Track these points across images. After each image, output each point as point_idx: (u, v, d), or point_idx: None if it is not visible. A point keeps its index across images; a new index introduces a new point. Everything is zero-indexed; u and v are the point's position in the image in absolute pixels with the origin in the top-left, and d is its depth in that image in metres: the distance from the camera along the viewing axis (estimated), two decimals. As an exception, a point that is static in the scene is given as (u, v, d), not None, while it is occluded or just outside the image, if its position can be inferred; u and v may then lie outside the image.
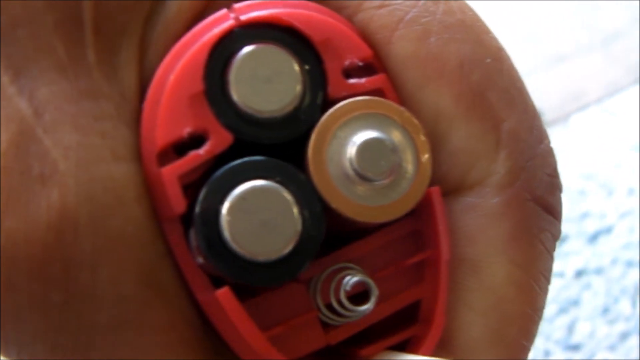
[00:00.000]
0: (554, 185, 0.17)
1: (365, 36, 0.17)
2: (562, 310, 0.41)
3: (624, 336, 0.38)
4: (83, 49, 0.16)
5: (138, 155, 0.16)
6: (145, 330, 0.16)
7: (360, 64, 0.16)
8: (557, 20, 0.57)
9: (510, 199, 0.17)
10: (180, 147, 0.15)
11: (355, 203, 0.16)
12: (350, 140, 0.16)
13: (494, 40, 0.17)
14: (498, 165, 0.17)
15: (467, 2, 0.18)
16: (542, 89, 0.53)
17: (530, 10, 0.58)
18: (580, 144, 0.48)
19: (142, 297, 0.15)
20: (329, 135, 0.16)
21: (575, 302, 0.41)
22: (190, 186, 0.15)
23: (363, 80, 0.16)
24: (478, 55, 0.17)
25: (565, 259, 0.42)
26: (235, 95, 0.15)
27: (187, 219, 0.15)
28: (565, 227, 0.44)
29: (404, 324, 0.17)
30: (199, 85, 0.15)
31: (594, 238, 0.43)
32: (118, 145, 0.15)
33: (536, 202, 0.17)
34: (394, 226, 0.17)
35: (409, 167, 0.16)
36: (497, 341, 0.17)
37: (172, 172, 0.15)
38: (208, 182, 0.15)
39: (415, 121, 0.16)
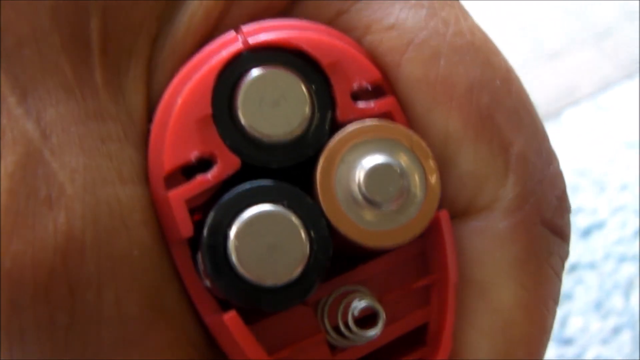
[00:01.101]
0: (562, 208, 0.17)
1: (374, 58, 0.17)
2: (555, 305, 0.41)
3: (617, 330, 0.39)
4: (90, 69, 0.16)
5: (145, 177, 0.16)
6: (150, 351, 0.16)
7: (369, 86, 0.16)
8: (550, 16, 0.58)
9: (519, 222, 0.17)
10: (188, 170, 0.16)
11: (362, 228, 0.16)
12: (359, 164, 0.16)
13: (503, 61, 0.17)
14: (507, 189, 0.17)
15: (473, 15, 0.18)
16: (535, 84, 0.54)
17: (522, 5, 0.59)
18: (572, 140, 0.48)
19: (146, 318, 0.16)
20: (337, 160, 0.16)
21: (568, 297, 0.42)
22: (197, 209, 0.16)
23: (372, 103, 0.16)
24: (487, 78, 0.17)
25: (558, 254, 0.43)
26: (243, 119, 0.15)
27: (194, 242, 0.16)
28: (558, 222, 0.44)
29: (411, 346, 0.17)
30: (206, 109, 0.15)
31: (586, 233, 0.43)
32: (125, 167, 0.16)
33: (545, 225, 0.17)
34: (402, 249, 0.17)
35: (417, 191, 0.16)
36: None
37: (179, 196, 0.15)
38: (215, 207, 0.15)
39: (424, 145, 0.16)
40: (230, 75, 0.16)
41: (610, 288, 0.41)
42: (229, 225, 0.15)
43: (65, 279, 0.15)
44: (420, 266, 0.17)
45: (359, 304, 0.16)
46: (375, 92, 0.16)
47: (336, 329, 0.16)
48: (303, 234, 0.15)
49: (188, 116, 0.15)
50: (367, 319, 0.16)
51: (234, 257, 0.15)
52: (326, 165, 0.16)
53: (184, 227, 0.15)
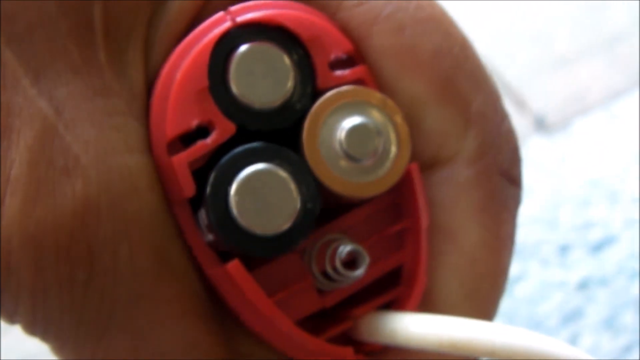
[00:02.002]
0: (516, 159, 0.19)
1: (346, 32, 0.19)
2: (564, 323, 0.40)
3: (628, 348, 0.38)
4: (94, 51, 0.17)
5: (148, 146, 0.18)
6: (159, 302, 0.18)
7: (344, 57, 0.19)
8: (560, 23, 0.57)
9: (480, 171, 0.19)
10: (186, 138, 0.18)
11: (345, 181, 0.18)
12: (339, 125, 0.18)
13: (459, 31, 0.19)
14: (468, 142, 0.19)
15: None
16: (545, 92, 0.53)
17: (533, 12, 0.58)
18: (583, 150, 0.47)
19: (155, 273, 0.17)
20: (320, 122, 0.18)
21: (578, 314, 0.41)
22: (196, 172, 0.18)
23: (347, 71, 0.18)
24: (447, 46, 0.19)
25: (568, 269, 0.42)
26: (235, 89, 0.17)
27: (194, 202, 0.18)
28: (568, 236, 0.43)
29: (389, 286, 0.19)
30: (203, 82, 0.17)
31: (597, 248, 0.42)
32: (130, 137, 0.17)
33: (502, 175, 0.19)
34: (377, 199, 0.19)
35: (391, 147, 0.18)
36: (472, 297, 0.19)
37: (182, 160, 0.17)
38: (216, 167, 0.17)
39: (395, 106, 0.18)
40: (222, 50, 0.18)
41: (621, 305, 0.40)
42: (229, 184, 0.17)
43: (84, 240, 0.17)
44: (394, 214, 0.19)
45: (345, 248, 0.18)
46: (349, 62, 0.19)
47: (323, 274, 0.18)
48: (294, 189, 0.17)
49: (187, 89, 0.17)
50: (349, 264, 0.18)
51: (234, 211, 0.17)
52: (311, 127, 0.18)
53: (187, 187, 0.17)
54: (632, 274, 0.41)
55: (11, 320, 0.18)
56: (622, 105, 0.49)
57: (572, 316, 0.40)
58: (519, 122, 0.52)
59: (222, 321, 0.19)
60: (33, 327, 0.18)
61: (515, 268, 0.43)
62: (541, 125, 0.50)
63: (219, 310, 0.19)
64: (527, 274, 0.42)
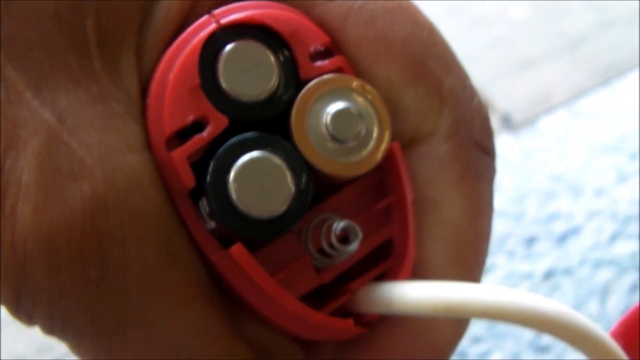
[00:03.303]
0: (488, 130, 0.21)
1: (322, 26, 0.20)
2: (531, 311, 0.41)
3: (593, 335, 0.39)
4: (90, 61, 0.19)
5: (147, 144, 0.19)
6: (170, 292, 0.19)
7: (322, 49, 0.20)
8: (523, 26, 0.58)
9: (456, 145, 0.21)
10: (182, 134, 0.19)
11: (333, 162, 0.19)
12: (324, 111, 0.19)
13: (425, 17, 0.21)
14: (443, 119, 0.20)
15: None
16: (510, 93, 0.54)
17: (496, 16, 0.59)
18: (548, 147, 0.49)
19: (163, 264, 0.19)
20: (306, 109, 0.19)
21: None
22: (194, 165, 0.19)
23: (326, 61, 0.20)
24: (416, 31, 0.20)
25: (534, 261, 0.43)
26: (225, 85, 0.19)
27: (194, 194, 0.19)
28: (534, 228, 0.45)
29: (380, 259, 0.21)
30: (195, 80, 0.19)
31: (562, 239, 0.44)
32: (130, 138, 0.19)
33: (476, 146, 0.21)
34: (363, 179, 0.20)
35: (374, 128, 0.20)
36: (458, 263, 0.21)
37: (181, 154, 0.19)
38: (214, 158, 0.18)
39: (374, 90, 0.20)
40: (209, 50, 0.19)
41: (586, 294, 0.41)
42: (227, 172, 0.18)
43: (94, 238, 0.18)
44: (380, 191, 0.21)
45: (338, 225, 0.20)
46: (327, 53, 0.20)
47: (319, 251, 0.20)
48: (288, 173, 0.19)
49: (181, 87, 0.19)
50: (343, 240, 0.20)
51: (234, 197, 0.18)
52: (298, 114, 0.19)
53: (187, 179, 0.19)
54: (596, 263, 0.42)
55: (30, 321, 0.19)
56: (585, 103, 0.51)
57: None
58: (486, 122, 0.53)
59: (226, 305, 0.20)
60: (51, 327, 0.19)
61: (482, 260, 0.44)
62: (507, 123, 0.52)
63: (222, 294, 0.20)
64: (495, 266, 0.44)
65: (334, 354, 0.22)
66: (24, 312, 0.19)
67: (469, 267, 0.21)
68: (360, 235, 0.20)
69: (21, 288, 0.18)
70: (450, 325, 0.21)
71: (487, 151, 0.21)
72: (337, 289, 0.21)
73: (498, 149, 0.49)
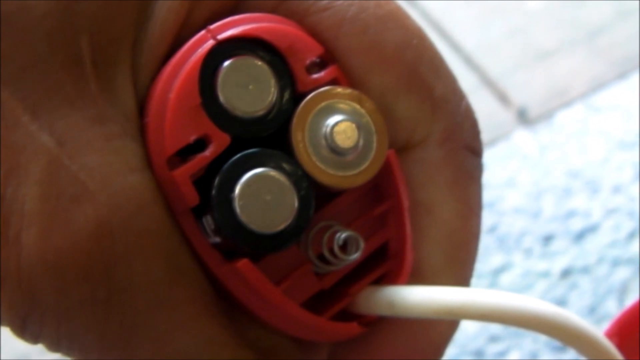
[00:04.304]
0: (476, 132, 0.22)
1: (315, 35, 0.20)
2: (549, 311, 0.41)
3: (611, 335, 0.39)
4: (86, 82, 0.19)
5: (146, 163, 0.19)
6: (176, 306, 0.19)
7: (317, 60, 0.20)
8: (540, 16, 0.58)
9: (449, 150, 0.21)
10: (182, 152, 0.19)
11: (334, 174, 0.20)
12: (323, 124, 0.20)
13: (415, 23, 0.21)
14: (436, 125, 0.21)
15: None
16: (526, 86, 0.54)
17: (513, 7, 0.59)
18: (565, 142, 0.49)
19: (169, 280, 0.19)
20: (306, 123, 0.20)
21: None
22: (195, 182, 0.19)
23: (322, 73, 0.20)
24: (407, 38, 0.21)
25: (552, 259, 0.43)
26: (225, 102, 0.19)
27: (196, 209, 0.19)
28: (551, 226, 0.45)
29: (377, 262, 0.21)
30: (196, 99, 0.19)
31: (580, 237, 0.44)
32: (130, 158, 0.19)
33: (467, 149, 0.22)
34: (360, 185, 0.21)
35: (372, 138, 0.20)
36: (452, 264, 0.22)
37: (184, 173, 0.19)
38: (219, 175, 0.19)
39: (369, 100, 0.20)
40: (208, 68, 0.19)
41: (604, 292, 0.42)
42: (232, 189, 0.19)
43: (101, 260, 0.18)
44: (376, 196, 0.21)
45: (341, 235, 0.20)
46: (322, 64, 0.21)
47: (320, 258, 0.21)
48: (290, 188, 0.19)
49: (182, 107, 0.19)
50: (343, 248, 0.21)
51: (240, 214, 0.19)
52: (298, 128, 0.20)
53: (191, 198, 0.19)
54: (614, 261, 0.43)
55: (35, 341, 0.19)
56: (602, 96, 0.51)
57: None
58: (503, 116, 0.53)
59: (230, 313, 0.20)
60: (58, 346, 0.19)
61: (499, 259, 0.44)
62: (524, 118, 0.52)
63: (224, 303, 0.20)
64: (512, 264, 0.44)
65: (330, 352, 0.23)
66: (30, 334, 0.19)
67: (462, 268, 0.22)
68: (362, 245, 0.20)
69: (28, 313, 0.18)
70: (444, 325, 0.22)
71: (476, 152, 0.22)
72: (336, 292, 0.21)
73: (514, 144, 0.49)
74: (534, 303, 0.18)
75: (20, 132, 0.18)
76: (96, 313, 0.19)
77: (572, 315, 0.18)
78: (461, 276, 0.22)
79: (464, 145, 0.22)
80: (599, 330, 0.19)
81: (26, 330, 0.19)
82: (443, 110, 0.21)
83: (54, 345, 0.19)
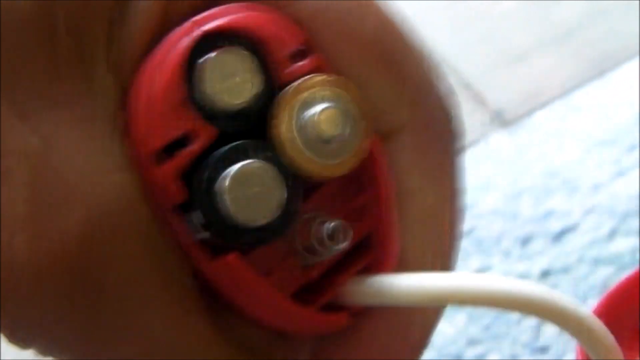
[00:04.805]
0: (450, 117, 0.22)
1: (298, 24, 0.20)
2: (529, 313, 0.41)
3: (593, 335, 0.38)
4: (70, 82, 0.19)
5: (132, 162, 0.19)
6: (168, 306, 0.19)
7: (300, 48, 0.20)
8: (514, 17, 0.58)
9: (429, 135, 0.22)
10: (167, 148, 0.19)
11: (321, 163, 0.20)
12: (309, 112, 0.20)
13: (390, 10, 0.22)
14: (416, 113, 0.21)
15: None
16: (502, 88, 0.54)
17: (486, 10, 0.59)
18: (542, 142, 0.49)
19: (158, 279, 0.19)
20: (293, 112, 0.20)
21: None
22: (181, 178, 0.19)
23: (305, 61, 0.20)
24: (385, 26, 0.21)
25: (530, 260, 0.43)
26: (211, 95, 0.19)
27: (183, 206, 0.19)
28: (529, 227, 0.44)
29: (361, 251, 0.21)
30: (182, 93, 0.19)
31: (559, 237, 0.43)
32: (116, 157, 0.19)
33: (447, 133, 0.22)
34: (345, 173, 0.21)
35: (357, 126, 0.20)
36: (436, 251, 0.22)
37: (171, 168, 0.19)
38: (207, 169, 0.19)
39: (354, 87, 0.20)
40: (192, 60, 0.19)
41: (585, 292, 0.41)
42: (220, 182, 0.19)
43: (92, 262, 0.18)
44: (358, 184, 0.21)
45: (330, 224, 0.20)
46: (305, 52, 0.20)
47: (306, 248, 0.20)
48: (278, 179, 0.19)
49: (168, 101, 0.19)
50: (330, 239, 0.21)
51: (229, 207, 0.19)
52: (283, 118, 0.20)
53: (179, 194, 0.19)
54: (594, 261, 0.42)
55: (26, 346, 0.19)
56: (579, 96, 0.50)
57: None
58: (478, 118, 0.53)
59: (217, 311, 0.20)
60: (49, 351, 0.19)
61: (477, 262, 0.44)
62: (500, 120, 0.52)
63: (212, 301, 0.20)
64: (490, 267, 0.43)
65: (314, 347, 0.23)
66: (21, 339, 0.19)
67: (446, 254, 0.22)
68: (351, 234, 0.20)
69: (19, 317, 0.19)
70: (429, 312, 0.22)
71: (455, 135, 0.22)
72: (324, 284, 0.21)
73: (491, 146, 0.49)
74: (525, 285, 0.18)
75: (8, 135, 0.18)
76: (87, 316, 0.19)
77: (563, 296, 0.18)
78: (444, 262, 0.22)
79: (444, 130, 0.22)
80: (588, 311, 0.19)
81: (17, 334, 0.19)
82: (423, 97, 0.21)
83: (45, 351, 0.19)
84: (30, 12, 0.18)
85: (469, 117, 0.53)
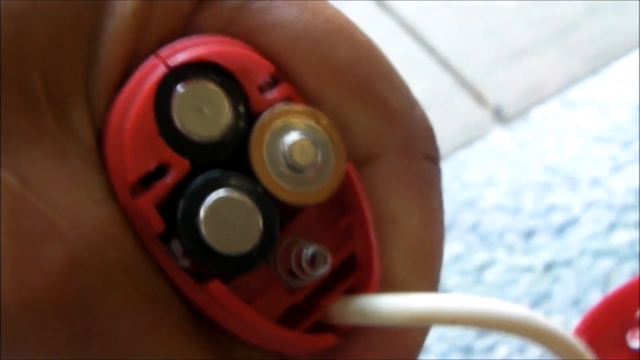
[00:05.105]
0: (432, 139, 0.23)
1: (265, 55, 0.21)
2: (534, 305, 0.43)
3: (596, 326, 0.40)
4: (42, 119, 0.19)
5: (110, 194, 0.19)
6: (155, 333, 0.19)
7: (269, 79, 0.21)
8: (513, 15, 0.59)
9: (408, 160, 0.22)
10: (144, 180, 0.19)
11: (295, 192, 0.20)
12: (280, 142, 0.20)
13: (366, 36, 0.22)
14: (394, 137, 0.22)
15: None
16: (501, 85, 0.55)
17: (485, 7, 0.60)
18: (542, 138, 0.50)
19: (146, 308, 0.19)
20: (263, 143, 0.20)
21: (546, 297, 0.43)
22: (159, 208, 0.20)
23: (274, 92, 0.21)
24: (359, 52, 0.21)
25: (534, 254, 0.44)
26: (181, 128, 0.20)
27: (163, 236, 0.20)
28: (532, 222, 0.46)
29: (345, 273, 0.22)
30: (152, 126, 0.19)
31: (560, 230, 0.45)
32: (94, 191, 0.19)
33: (425, 158, 0.22)
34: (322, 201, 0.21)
35: (330, 154, 0.21)
36: (420, 271, 0.22)
37: (147, 201, 0.19)
38: (182, 201, 0.19)
39: (324, 116, 0.21)
40: (162, 94, 0.20)
41: (587, 284, 0.43)
42: (196, 213, 0.19)
43: (75, 295, 0.18)
44: (339, 209, 0.22)
45: (308, 250, 0.21)
46: (274, 83, 0.21)
47: (290, 273, 0.21)
48: (253, 208, 0.20)
49: (139, 135, 0.19)
50: (311, 262, 0.21)
51: (206, 237, 0.19)
52: (255, 148, 0.20)
53: (156, 224, 0.19)
54: (595, 253, 0.44)
55: None
56: (577, 92, 0.52)
57: (540, 298, 0.43)
58: (479, 116, 0.54)
59: (211, 335, 0.21)
60: None
61: (483, 255, 0.45)
62: (500, 116, 0.53)
63: (204, 326, 0.20)
64: (495, 261, 0.45)
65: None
66: None
67: (429, 274, 0.22)
68: (329, 259, 0.21)
69: (8, 354, 0.19)
70: (416, 330, 0.23)
71: (434, 160, 0.23)
72: (309, 305, 0.22)
73: (492, 143, 0.50)
74: (503, 306, 0.19)
75: None
76: (76, 347, 0.19)
77: (540, 317, 0.19)
78: (429, 282, 0.22)
79: (422, 155, 0.22)
80: (567, 330, 0.20)
81: None
82: (400, 122, 0.22)
83: None
84: (3, 51, 0.19)
85: (470, 115, 0.54)
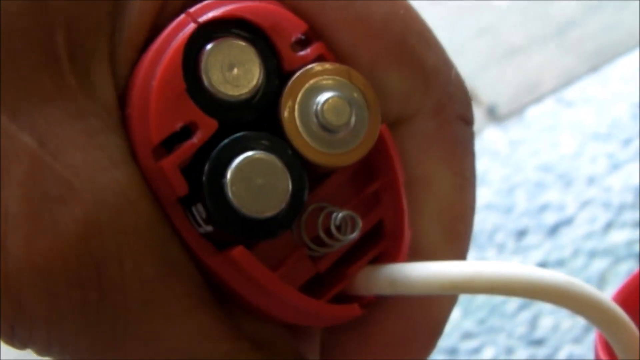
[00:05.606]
0: (467, 101, 0.22)
1: (299, 12, 0.20)
2: (524, 306, 0.41)
3: (589, 328, 0.39)
4: (63, 77, 0.19)
5: (130, 156, 0.19)
6: (170, 302, 0.19)
7: (302, 37, 0.20)
8: (508, 13, 0.58)
9: (442, 121, 0.21)
10: (166, 142, 0.19)
11: (327, 153, 0.20)
12: (313, 102, 0.19)
13: None
14: (429, 97, 0.21)
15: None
16: (496, 84, 0.54)
17: (481, 4, 0.59)
18: (536, 137, 0.49)
19: (162, 276, 0.19)
20: (295, 102, 0.19)
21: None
22: (182, 171, 0.19)
23: (308, 50, 0.20)
24: (394, 10, 0.21)
25: (525, 253, 0.43)
26: (210, 87, 0.19)
27: (184, 199, 0.19)
28: (524, 221, 0.44)
29: (372, 241, 0.21)
30: (180, 85, 0.19)
31: (554, 230, 0.44)
32: (113, 153, 0.19)
33: (460, 119, 0.22)
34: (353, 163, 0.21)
35: (363, 114, 0.20)
36: (451, 238, 0.22)
37: (172, 162, 0.19)
38: (209, 162, 0.19)
39: (359, 74, 0.20)
40: (191, 52, 0.19)
41: (581, 285, 0.41)
42: (223, 175, 0.18)
43: (91, 261, 0.18)
44: (368, 174, 0.21)
45: (338, 215, 0.20)
46: (307, 41, 0.20)
47: (314, 240, 0.20)
48: (282, 170, 0.19)
49: (166, 94, 0.19)
50: (338, 229, 0.20)
51: (233, 200, 0.18)
52: (287, 108, 0.19)
53: (180, 188, 0.19)
54: (590, 253, 0.42)
55: (24, 347, 0.19)
56: (573, 90, 0.51)
57: (531, 300, 0.42)
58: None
59: (223, 304, 0.20)
60: (48, 352, 0.19)
61: (472, 255, 0.44)
62: (494, 115, 0.52)
63: (217, 296, 0.20)
64: (485, 260, 0.43)
65: (324, 339, 0.22)
66: (19, 340, 0.19)
67: (461, 241, 0.22)
68: (359, 224, 0.20)
69: (17, 319, 0.18)
70: (444, 300, 0.22)
71: (467, 122, 0.22)
72: (333, 275, 0.21)
73: (485, 141, 0.49)
74: (541, 272, 0.18)
75: (0, 134, 0.18)
76: (88, 315, 0.18)
77: (582, 283, 0.18)
78: (459, 250, 0.22)
79: (456, 116, 0.21)
80: (608, 298, 0.19)
81: (15, 337, 0.19)
82: (435, 82, 0.21)
83: (44, 351, 0.19)
84: (23, 8, 0.18)
85: (463, 112, 0.53)
